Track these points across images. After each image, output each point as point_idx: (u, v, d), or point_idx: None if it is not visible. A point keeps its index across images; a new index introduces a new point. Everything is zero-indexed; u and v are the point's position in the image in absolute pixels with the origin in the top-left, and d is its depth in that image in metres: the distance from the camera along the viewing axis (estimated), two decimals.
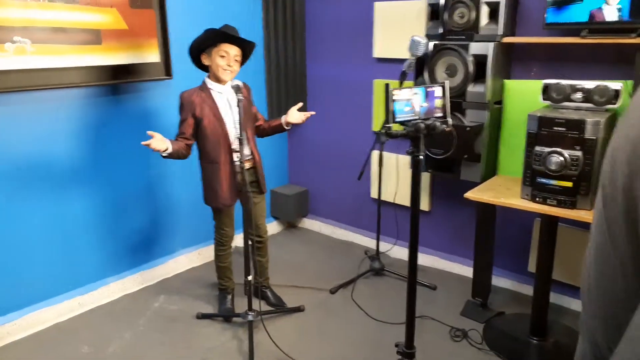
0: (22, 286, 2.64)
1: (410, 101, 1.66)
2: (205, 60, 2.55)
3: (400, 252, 3.52)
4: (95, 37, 2.67)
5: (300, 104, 2.73)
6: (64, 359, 2.48)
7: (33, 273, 2.67)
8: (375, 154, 3.16)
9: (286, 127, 2.72)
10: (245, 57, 2.61)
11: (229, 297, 2.92)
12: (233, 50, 2.50)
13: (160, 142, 2.38)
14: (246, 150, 2.62)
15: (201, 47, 2.53)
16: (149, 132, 2.37)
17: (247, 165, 2.64)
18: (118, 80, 2.82)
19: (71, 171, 2.75)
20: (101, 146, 2.85)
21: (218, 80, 2.55)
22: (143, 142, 2.33)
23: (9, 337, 2.60)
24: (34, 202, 2.62)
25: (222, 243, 2.80)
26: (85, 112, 2.76)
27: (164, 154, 2.42)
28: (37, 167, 2.61)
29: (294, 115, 2.68)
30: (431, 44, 2.76)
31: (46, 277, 2.73)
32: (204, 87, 2.57)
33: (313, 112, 2.75)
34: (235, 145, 2.58)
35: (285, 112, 3.78)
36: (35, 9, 2.43)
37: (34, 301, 2.70)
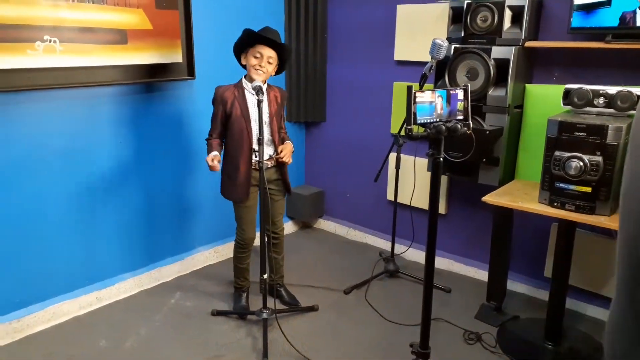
0: (43, 279, 2.70)
1: (433, 103, 1.68)
2: (243, 60, 2.62)
3: (415, 255, 3.52)
4: (121, 37, 2.73)
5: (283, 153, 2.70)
6: (82, 352, 2.53)
7: (54, 267, 2.73)
8: (392, 156, 3.16)
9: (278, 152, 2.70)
10: (283, 61, 2.66)
11: (244, 295, 2.95)
12: (267, 52, 2.55)
13: (217, 162, 2.54)
14: (270, 150, 2.68)
15: (241, 47, 2.60)
16: (213, 156, 2.53)
17: (270, 164, 2.68)
18: (142, 79, 2.88)
19: (97, 168, 2.80)
20: (124, 144, 2.90)
21: (251, 80, 2.60)
22: (210, 164, 2.51)
23: (29, 329, 2.65)
24: (57, 197, 2.68)
25: (242, 245, 2.83)
26: (111, 110, 2.81)
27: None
28: (63, 163, 2.66)
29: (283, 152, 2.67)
30: (452, 47, 2.77)
31: (66, 271, 2.79)
32: (239, 85, 2.64)
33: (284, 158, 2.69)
34: (255, 144, 2.62)
35: (304, 113, 3.85)
36: (65, 9, 2.49)
37: (54, 294, 2.76)
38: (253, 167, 2.64)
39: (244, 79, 2.65)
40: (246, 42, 2.56)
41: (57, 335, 2.66)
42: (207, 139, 2.68)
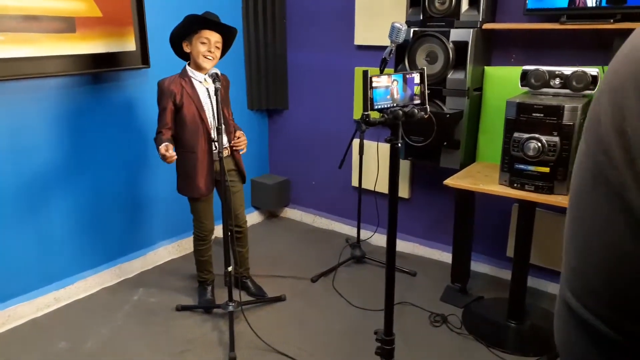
0: None
1: (389, 88, 1.65)
2: (186, 48, 2.51)
3: (381, 240, 3.53)
4: (69, 25, 2.60)
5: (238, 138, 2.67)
6: (41, 354, 2.43)
7: (7, 268, 2.61)
8: (356, 142, 3.15)
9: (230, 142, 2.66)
10: (227, 44, 2.57)
11: (209, 288, 2.89)
12: (214, 37, 2.47)
13: (172, 150, 2.39)
14: (224, 139, 2.59)
15: (182, 34, 2.49)
16: (165, 146, 2.38)
17: (225, 153, 2.62)
18: (94, 69, 2.75)
19: (46, 163, 2.68)
20: (78, 137, 2.78)
21: (199, 68, 2.51)
22: (167, 155, 2.35)
23: None
24: (5, 195, 2.55)
25: (201, 237, 2.76)
26: (60, 103, 2.68)
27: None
28: (11, 160, 2.53)
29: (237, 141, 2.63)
30: (411, 31, 2.75)
31: (22, 272, 2.67)
32: (184, 75, 2.53)
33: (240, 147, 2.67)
34: (214, 134, 2.55)
35: (266, 101, 3.77)
36: None
37: (9, 297, 2.64)
38: (215, 159, 2.57)
39: (188, 67, 2.54)
40: (189, 29, 2.46)
41: (13, 339, 2.56)
42: (155, 138, 2.53)
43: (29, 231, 2.67)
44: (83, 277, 2.94)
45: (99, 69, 2.79)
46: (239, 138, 2.62)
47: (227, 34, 2.53)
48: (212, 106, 2.53)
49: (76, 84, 2.74)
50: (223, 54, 2.60)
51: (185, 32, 2.48)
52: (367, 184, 3.38)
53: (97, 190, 2.93)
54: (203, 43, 2.46)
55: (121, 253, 3.13)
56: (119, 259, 3.12)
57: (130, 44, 2.89)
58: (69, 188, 2.80)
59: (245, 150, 2.65)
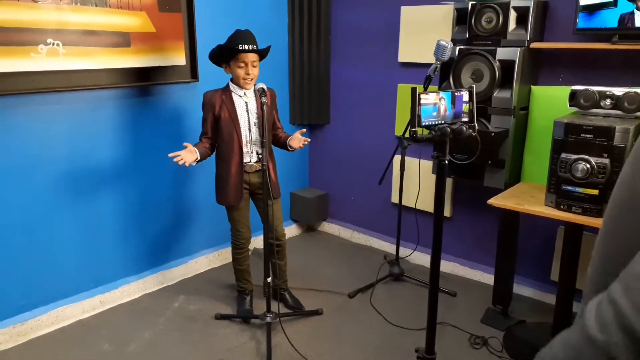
0: (47, 283, 2.69)
1: (437, 105, 1.66)
2: (226, 70, 2.60)
3: (420, 258, 3.50)
4: (124, 39, 2.73)
5: (303, 130, 2.76)
6: (86, 355, 2.52)
7: (58, 270, 2.73)
8: (397, 158, 3.14)
9: (289, 149, 2.75)
10: (263, 57, 2.63)
11: (248, 298, 2.93)
12: (250, 58, 2.52)
13: (190, 154, 2.48)
14: (256, 153, 2.66)
15: (218, 60, 2.59)
16: (185, 144, 2.50)
17: (257, 166, 2.67)
18: (145, 82, 2.87)
19: (98, 170, 2.80)
20: (128, 147, 2.90)
21: (239, 84, 2.59)
22: (172, 155, 2.43)
23: (32, 332, 2.65)
24: (62, 200, 2.67)
25: (238, 246, 2.81)
26: (113, 114, 2.81)
27: (194, 163, 2.51)
28: (65, 167, 2.66)
29: (295, 140, 2.70)
30: (457, 49, 2.75)
31: (71, 275, 2.78)
32: (226, 89, 2.62)
33: (309, 140, 2.76)
34: (246, 147, 2.62)
35: (308, 115, 3.83)
36: (68, 12, 2.49)
37: (58, 298, 2.75)
38: (245, 170, 2.65)
39: (231, 83, 2.63)
40: (225, 56, 2.54)
41: (61, 338, 2.65)
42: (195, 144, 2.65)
43: (79, 235, 2.78)
44: (127, 282, 3.03)
45: (151, 82, 2.90)
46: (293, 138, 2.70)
47: (263, 53, 2.59)
48: (248, 120, 2.61)
49: (128, 95, 2.86)
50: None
51: (221, 59, 2.57)
52: (408, 201, 3.36)
53: (143, 198, 3.03)
54: (240, 67, 2.53)
55: (164, 260, 3.22)
56: (161, 265, 3.20)
57: (180, 59, 3.00)
58: (118, 195, 2.91)
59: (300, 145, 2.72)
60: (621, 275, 0.57)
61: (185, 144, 2.52)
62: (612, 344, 0.55)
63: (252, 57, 2.53)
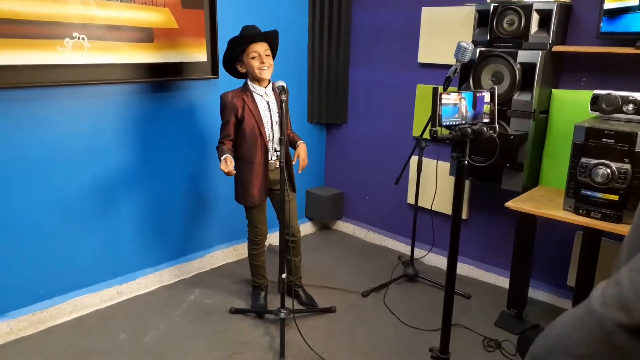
0: (67, 272, 2.75)
1: (458, 105, 1.66)
2: (242, 69, 2.61)
3: (434, 259, 3.50)
4: (147, 35, 2.77)
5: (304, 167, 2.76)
6: (102, 344, 2.56)
7: (77, 260, 2.78)
8: (414, 159, 3.14)
9: (294, 149, 2.77)
10: (274, 48, 2.65)
11: (262, 293, 2.96)
12: (261, 48, 2.55)
13: (232, 163, 2.50)
14: (274, 150, 2.69)
15: (233, 58, 2.60)
16: (225, 157, 2.50)
17: (277, 164, 2.70)
18: (167, 77, 2.91)
19: (118, 164, 2.85)
20: (147, 141, 2.94)
21: (259, 81, 2.61)
22: (225, 170, 2.46)
23: (51, 320, 2.70)
24: (82, 191, 2.72)
25: (255, 242, 2.84)
26: (134, 108, 2.85)
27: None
28: (88, 158, 2.71)
29: (301, 153, 2.72)
30: (477, 51, 2.74)
31: (89, 265, 2.83)
32: (245, 89, 2.63)
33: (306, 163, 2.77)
34: (270, 146, 2.64)
35: (326, 114, 3.84)
36: (94, 6, 2.53)
37: (77, 287, 2.81)
38: (270, 169, 2.67)
39: (249, 82, 2.64)
40: (237, 50, 2.55)
41: (79, 327, 2.71)
42: (217, 147, 2.67)
43: (99, 227, 2.83)
44: (144, 274, 3.08)
45: (172, 78, 2.94)
46: (302, 159, 2.72)
47: (272, 39, 2.61)
48: (270, 119, 2.63)
49: (150, 90, 2.90)
50: (273, 56, 2.66)
51: (234, 55, 2.58)
52: (424, 202, 3.36)
53: (162, 193, 3.08)
54: (253, 58, 2.54)
55: (180, 253, 3.26)
56: (178, 259, 3.24)
57: (201, 55, 3.04)
58: (137, 188, 2.96)
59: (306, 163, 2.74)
60: (632, 260, 0.62)
61: (225, 157, 2.49)
62: (607, 318, 0.60)
63: (263, 46, 2.55)
